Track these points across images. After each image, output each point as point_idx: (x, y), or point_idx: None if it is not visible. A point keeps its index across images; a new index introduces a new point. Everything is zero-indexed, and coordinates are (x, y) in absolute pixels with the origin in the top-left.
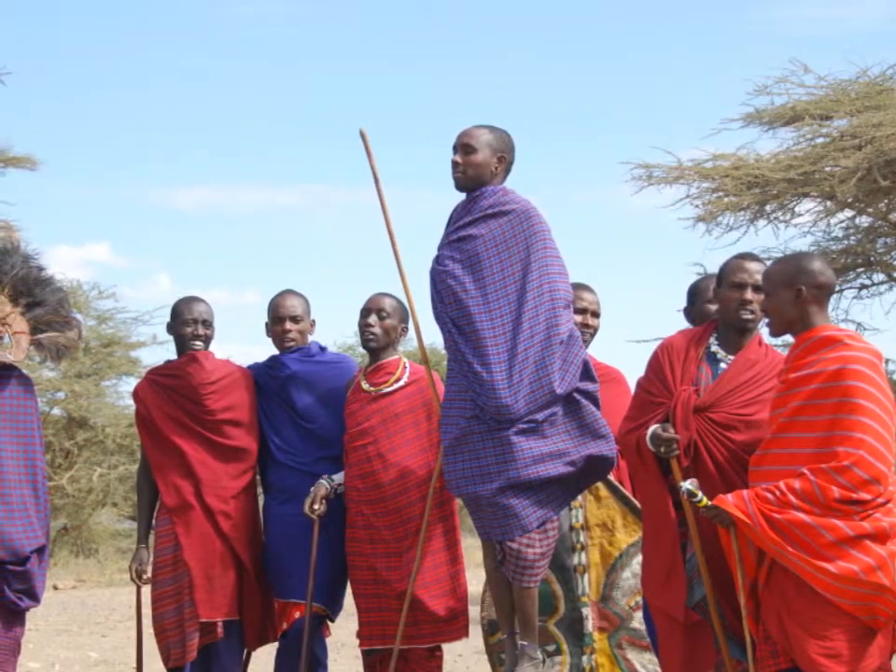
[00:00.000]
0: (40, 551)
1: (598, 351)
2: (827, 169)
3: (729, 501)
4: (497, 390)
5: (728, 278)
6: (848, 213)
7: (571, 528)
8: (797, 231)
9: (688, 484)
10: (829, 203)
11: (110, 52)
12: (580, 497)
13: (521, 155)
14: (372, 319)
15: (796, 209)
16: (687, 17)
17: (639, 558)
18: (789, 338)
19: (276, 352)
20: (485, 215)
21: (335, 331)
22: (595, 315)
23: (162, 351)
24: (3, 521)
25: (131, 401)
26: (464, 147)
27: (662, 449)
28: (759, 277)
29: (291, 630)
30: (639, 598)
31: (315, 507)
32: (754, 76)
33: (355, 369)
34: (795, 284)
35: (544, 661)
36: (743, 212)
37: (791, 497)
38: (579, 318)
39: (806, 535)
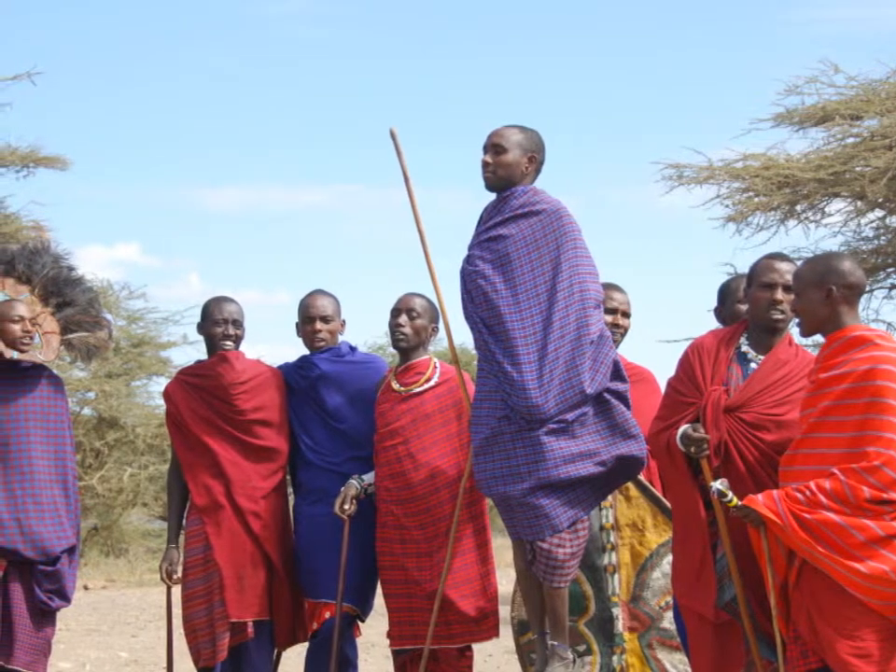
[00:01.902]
0: (71, 551)
1: (629, 351)
2: (857, 169)
3: (759, 501)
4: (527, 390)
5: (758, 278)
6: (879, 213)
7: (601, 528)
8: (827, 231)
9: (718, 484)
10: (859, 203)
11: (140, 52)
12: (610, 497)
13: (551, 155)
14: (403, 319)
15: (826, 209)
16: (718, 17)
17: (669, 558)
18: (819, 338)
19: (307, 352)
20: (516, 215)
21: (365, 331)
22: (626, 314)
23: (193, 351)
24: (34, 521)
25: (161, 401)
26: (494, 147)
27: (692, 449)
28: (789, 277)
29: (321, 630)
30: (670, 598)
31: (346, 507)
32: (784, 76)
33: (385, 369)
34: (825, 284)
35: (574, 661)
36: (773, 212)
37: (822, 497)
38: (609, 318)
39: (837, 535)
